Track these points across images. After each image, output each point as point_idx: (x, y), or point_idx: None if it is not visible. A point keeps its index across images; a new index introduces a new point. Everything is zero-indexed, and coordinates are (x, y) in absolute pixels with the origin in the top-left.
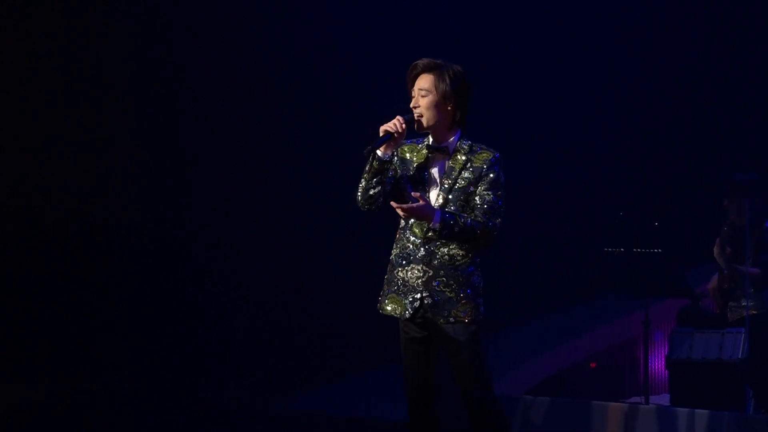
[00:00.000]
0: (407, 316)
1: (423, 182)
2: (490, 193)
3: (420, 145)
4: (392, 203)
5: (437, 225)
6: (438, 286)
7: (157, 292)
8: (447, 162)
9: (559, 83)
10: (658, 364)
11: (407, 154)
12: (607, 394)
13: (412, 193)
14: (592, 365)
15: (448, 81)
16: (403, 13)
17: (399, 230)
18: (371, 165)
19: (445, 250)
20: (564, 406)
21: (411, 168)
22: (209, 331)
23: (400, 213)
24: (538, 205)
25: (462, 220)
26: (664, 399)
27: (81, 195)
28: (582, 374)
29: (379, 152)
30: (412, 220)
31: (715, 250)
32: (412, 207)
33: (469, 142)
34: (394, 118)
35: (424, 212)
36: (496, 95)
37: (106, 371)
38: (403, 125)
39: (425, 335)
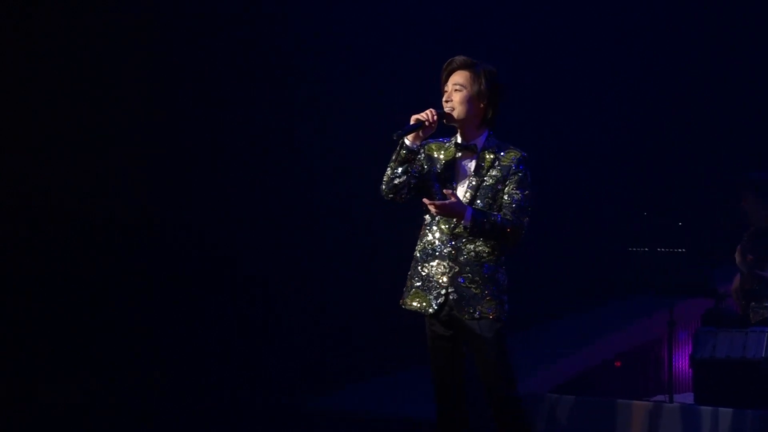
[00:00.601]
0: (431, 311)
1: (451, 179)
2: (518, 192)
3: (448, 143)
4: (424, 200)
5: (468, 222)
6: (463, 282)
7: (185, 293)
8: (475, 160)
9: (584, 83)
10: (682, 362)
11: (435, 152)
12: (632, 392)
13: (444, 191)
14: (617, 364)
15: (483, 80)
16: (422, 11)
17: (423, 226)
18: (398, 153)
19: (472, 246)
20: (589, 405)
21: (438, 165)
22: (237, 331)
23: (432, 210)
24: (564, 206)
25: (492, 218)
26: (688, 397)
27: (87, 194)
28: (607, 373)
29: (407, 141)
30: (439, 218)
31: (737, 257)
32: (444, 204)
33: (497, 141)
34: (414, 115)
35: (455, 209)
36: (523, 95)
37: (136, 371)
38: (435, 117)
39: (451, 334)
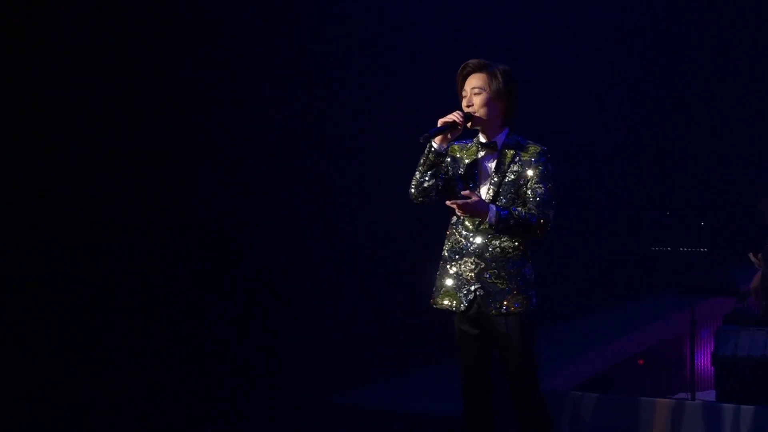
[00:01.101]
0: (462, 308)
1: (473, 178)
2: (541, 186)
3: (470, 144)
4: (447, 202)
5: (493, 220)
6: (490, 277)
7: (226, 290)
8: (496, 158)
9: (610, 82)
10: (704, 361)
11: (457, 153)
12: (655, 390)
13: (462, 192)
14: (640, 362)
15: (500, 79)
16: (450, 13)
17: (450, 225)
18: (427, 157)
19: (497, 242)
20: (612, 402)
21: (461, 166)
22: (264, 328)
23: (457, 210)
24: (588, 206)
25: (516, 213)
26: (710, 395)
27: (104, 192)
28: (630, 371)
29: (435, 144)
30: (464, 217)
31: (756, 261)
32: (467, 203)
33: (518, 137)
34: (442, 118)
35: (478, 208)
36: (545, 92)
37: (163, 368)
38: (463, 118)
39: (478, 332)
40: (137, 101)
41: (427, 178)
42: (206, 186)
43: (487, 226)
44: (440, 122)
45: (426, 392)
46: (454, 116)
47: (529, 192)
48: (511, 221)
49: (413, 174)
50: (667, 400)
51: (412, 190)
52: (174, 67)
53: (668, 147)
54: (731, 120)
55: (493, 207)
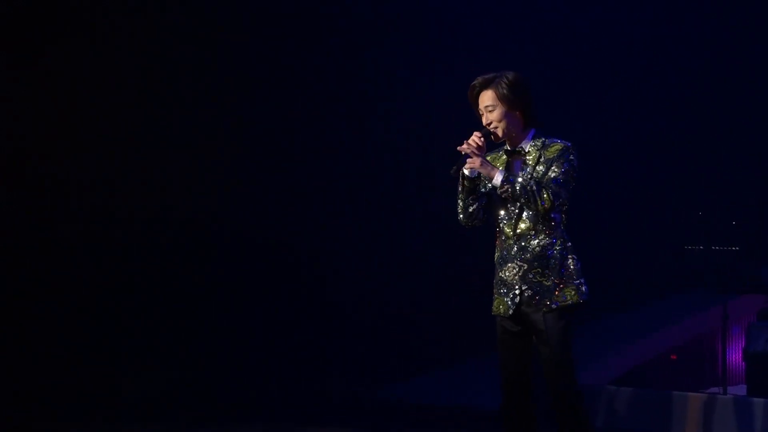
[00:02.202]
0: (510, 313)
1: None
2: (555, 170)
3: (500, 152)
4: (464, 144)
5: (499, 179)
6: (534, 277)
7: (271, 288)
8: (523, 160)
9: (642, 82)
10: (735, 356)
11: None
12: (687, 384)
13: (459, 148)
14: (673, 357)
15: (506, 90)
16: (512, 25)
17: (496, 234)
18: (462, 185)
19: (535, 242)
20: (646, 396)
21: None
22: (312, 325)
23: (468, 163)
24: (623, 206)
25: (524, 182)
26: (741, 390)
27: (166, 196)
28: (663, 366)
29: (465, 171)
30: (503, 223)
31: None
32: (480, 157)
33: (543, 138)
34: (459, 147)
35: (487, 164)
36: (575, 91)
37: (214, 362)
38: (481, 139)
39: (519, 330)
40: (161, 102)
41: (470, 202)
42: (245, 187)
43: (524, 227)
44: (462, 150)
45: (469, 386)
46: (472, 143)
47: (547, 176)
48: (517, 186)
49: (456, 202)
50: (699, 394)
51: (461, 218)
52: (200, 68)
53: (702, 149)
54: (764, 120)
55: (501, 170)
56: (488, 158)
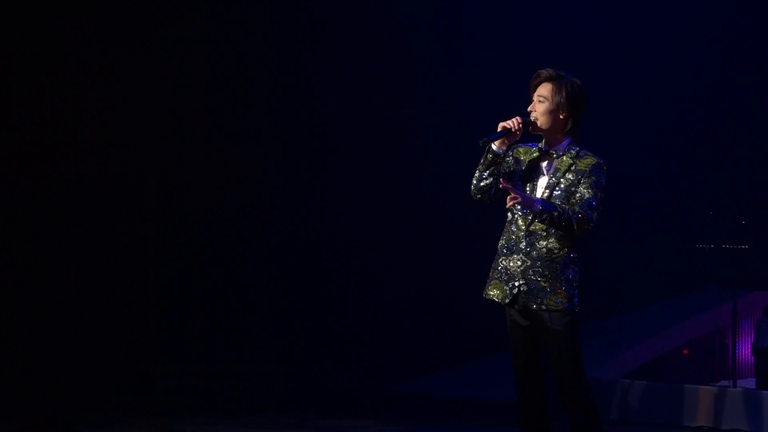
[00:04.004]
0: (507, 301)
1: (532, 180)
2: (589, 190)
3: (533, 149)
4: (502, 183)
5: (538, 208)
6: (533, 275)
7: (298, 287)
8: (554, 164)
9: (654, 80)
10: (745, 351)
11: (521, 156)
12: (698, 378)
13: (501, 183)
14: (685, 352)
15: (564, 93)
16: (535, 20)
17: (506, 222)
18: (485, 158)
19: (544, 243)
20: (659, 389)
21: (523, 167)
22: (339, 322)
23: (509, 201)
24: (636, 206)
25: (560, 207)
26: (751, 383)
27: (202, 198)
28: (676, 360)
29: (494, 146)
30: (518, 214)
31: None
32: (520, 193)
33: (577, 148)
34: (512, 117)
35: (528, 198)
36: (592, 93)
37: (244, 358)
38: (520, 125)
39: (528, 324)
40: (228, 105)
41: (485, 177)
42: (289, 188)
43: (538, 227)
44: (500, 126)
45: (492, 380)
46: (511, 123)
47: (577, 195)
48: (555, 213)
49: (473, 174)
50: (710, 387)
51: (472, 188)
52: (220, 69)
53: (713, 148)
54: None
55: (539, 198)
56: (521, 150)
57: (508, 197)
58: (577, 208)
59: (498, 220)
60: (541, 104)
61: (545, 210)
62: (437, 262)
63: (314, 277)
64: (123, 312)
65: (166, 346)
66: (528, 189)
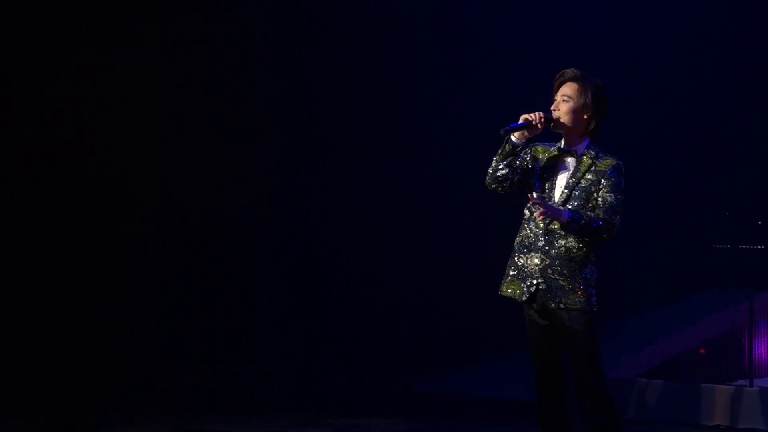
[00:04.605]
0: (524, 299)
1: (550, 179)
2: (611, 194)
3: (552, 148)
4: (531, 196)
5: (565, 219)
6: (552, 274)
7: (313, 285)
8: (573, 164)
9: (670, 80)
10: (761, 350)
11: (540, 154)
12: (715, 377)
13: (531, 196)
14: (702, 351)
15: (589, 94)
16: (531, 19)
17: (523, 220)
18: (503, 148)
19: (563, 242)
20: (676, 388)
21: (541, 166)
22: (360, 322)
23: (536, 213)
24: (653, 207)
25: (586, 216)
26: (767, 382)
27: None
28: (692, 359)
29: (513, 137)
30: (536, 213)
31: None
32: (548, 205)
33: (597, 149)
34: (524, 115)
35: (553, 210)
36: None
37: (268, 357)
38: (542, 119)
39: (547, 324)
40: (235, 103)
41: (501, 167)
42: (289, 188)
43: (557, 226)
44: (522, 118)
45: (505, 379)
46: (533, 116)
47: (599, 200)
48: (582, 221)
49: (489, 163)
50: (726, 386)
51: (487, 178)
52: (278, 69)
53: (729, 149)
54: None
55: (566, 209)
56: (540, 148)
57: (537, 212)
58: (601, 214)
59: (498, 221)
60: (565, 103)
61: (573, 220)
62: (437, 262)
63: (314, 277)
64: (123, 312)
65: (165, 346)
66: (546, 188)
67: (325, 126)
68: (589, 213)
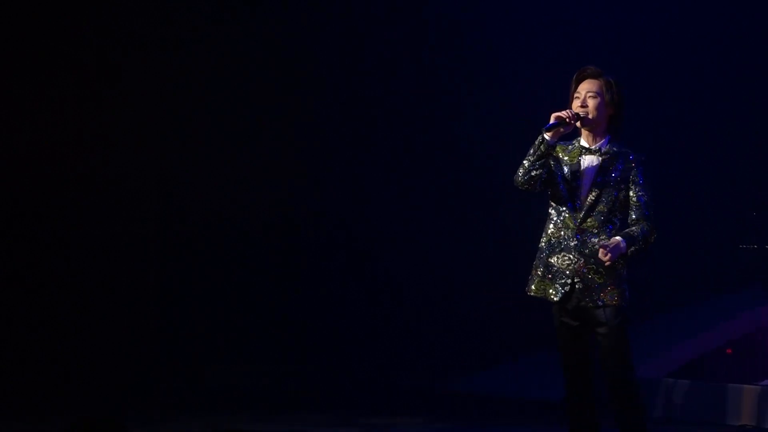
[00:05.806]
0: (557, 299)
1: (576, 179)
2: (644, 194)
3: (571, 146)
4: (599, 247)
5: (626, 249)
6: (587, 272)
7: (345, 286)
8: (598, 162)
9: (695, 79)
10: None
11: (559, 154)
12: (742, 377)
13: (599, 247)
14: (729, 351)
15: (614, 89)
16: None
17: (548, 219)
18: (537, 148)
19: (595, 240)
20: (702, 388)
21: (563, 166)
22: (388, 323)
23: (605, 259)
24: (680, 208)
25: (636, 235)
26: None
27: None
28: (719, 359)
29: (547, 136)
30: (566, 214)
31: None
32: (612, 249)
33: (618, 144)
34: (556, 113)
35: (617, 248)
36: (632, 90)
37: (294, 356)
38: (574, 116)
39: (578, 325)
40: (254, 102)
41: (536, 167)
42: (284, 190)
43: (589, 224)
44: (554, 117)
45: (535, 379)
46: (566, 114)
47: (633, 198)
48: (639, 241)
49: (521, 162)
50: (753, 386)
51: (519, 178)
52: (310, 66)
53: (756, 149)
54: None
55: (623, 240)
56: (558, 148)
57: (606, 258)
58: (642, 219)
59: (498, 221)
60: (593, 99)
61: (631, 245)
62: (439, 262)
63: (362, 278)
64: (123, 312)
65: (165, 346)
66: (573, 187)
67: (325, 126)
68: (634, 229)
